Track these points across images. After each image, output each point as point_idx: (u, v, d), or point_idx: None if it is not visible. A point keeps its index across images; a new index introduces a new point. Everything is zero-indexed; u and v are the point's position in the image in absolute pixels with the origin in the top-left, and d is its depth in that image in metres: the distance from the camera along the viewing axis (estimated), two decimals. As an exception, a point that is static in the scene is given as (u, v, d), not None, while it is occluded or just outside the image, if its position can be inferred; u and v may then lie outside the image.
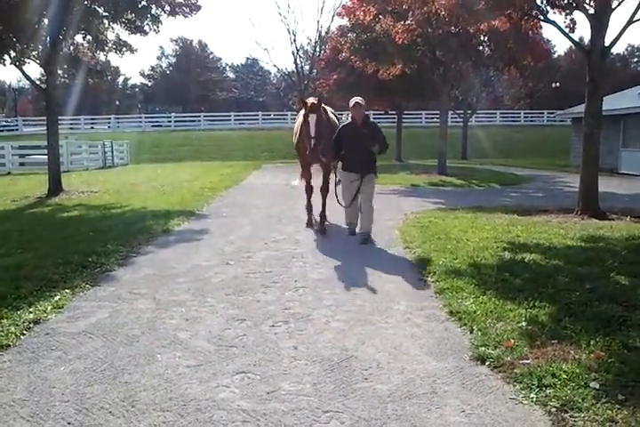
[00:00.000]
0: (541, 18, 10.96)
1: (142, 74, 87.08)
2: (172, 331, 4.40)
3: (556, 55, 63.63)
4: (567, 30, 10.63)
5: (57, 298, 5.13)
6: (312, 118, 7.80)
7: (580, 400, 3.15)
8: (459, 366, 3.71)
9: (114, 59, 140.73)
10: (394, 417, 3.08)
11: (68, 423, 3.03)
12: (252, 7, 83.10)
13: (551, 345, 3.89)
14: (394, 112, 31.71)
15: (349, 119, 8.19)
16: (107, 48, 16.23)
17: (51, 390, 3.40)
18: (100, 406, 3.21)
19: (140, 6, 14.74)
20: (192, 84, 76.52)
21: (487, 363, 3.72)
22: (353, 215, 8.16)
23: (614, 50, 13.79)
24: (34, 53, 14.77)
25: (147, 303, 5.11)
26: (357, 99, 7.89)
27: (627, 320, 4.30)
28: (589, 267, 5.97)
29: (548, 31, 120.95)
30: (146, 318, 4.71)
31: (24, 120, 48.90)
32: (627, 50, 73.10)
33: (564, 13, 10.56)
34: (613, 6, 9.96)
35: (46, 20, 14.42)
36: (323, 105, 8.45)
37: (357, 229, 8.11)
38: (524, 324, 4.30)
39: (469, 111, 35.64)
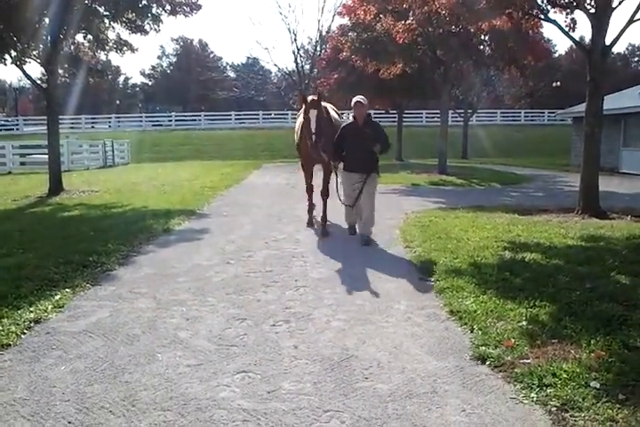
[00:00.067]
0: (542, 17, 10.95)
1: (143, 73, 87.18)
2: (173, 330, 4.40)
3: (556, 54, 63.61)
4: (568, 29, 10.63)
5: (57, 297, 5.14)
6: (312, 114, 7.73)
7: (580, 400, 3.15)
8: (459, 366, 3.71)
9: (114, 58, 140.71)
10: (394, 416, 3.08)
11: (69, 423, 3.04)
12: (253, 6, 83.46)
13: (551, 345, 3.89)
14: (394, 111, 31.73)
15: (351, 119, 8.12)
16: (107, 47, 16.24)
17: (51, 390, 3.41)
18: (101, 406, 3.21)
19: (140, 5, 14.75)
20: (192, 83, 76.51)
21: (487, 362, 3.72)
22: (353, 214, 8.10)
23: (615, 49, 13.79)
24: (34, 53, 14.77)
25: (147, 303, 5.12)
26: (359, 98, 7.74)
27: (627, 320, 4.30)
28: (590, 266, 5.97)
29: (548, 30, 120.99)
30: (146, 317, 4.72)
31: (25, 120, 48.93)
32: (627, 49, 73.11)
33: (564, 13, 10.56)
34: (614, 5, 9.95)
35: (47, 20, 14.43)
36: (324, 103, 8.42)
37: (358, 230, 8.07)
38: (524, 323, 4.30)
39: (470, 110, 35.66)
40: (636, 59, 75.08)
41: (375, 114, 37.59)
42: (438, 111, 25.20)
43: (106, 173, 22.62)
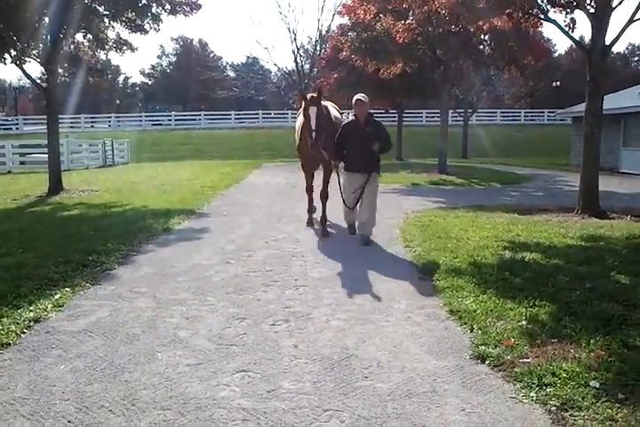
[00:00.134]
0: (542, 17, 10.95)
1: (143, 73, 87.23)
2: (173, 330, 4.40)
3: (556, 54, 63.65)
4: (567, 29, 10.63)
5: (57, 297, 5.14)
6: (312, 111, 7.61)
7: (580, 399, 3.15)
8: (459, 365, 3.72)
9: (114, 57, 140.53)
10: (394, 416, 3.08)
11: (69, 422, 3.04)
12: (253, 6, 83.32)
13: (551, 344, 3.89)
14: (394, 111, 31.74)
15: (351, 117, 8.00)
16: (107, 47, 16.25)
17: (51, 389, 3.41)
18: (101, 405, 3.21)
19: (140, 5, 14.75)
20: (192, 82, 76.53)
21: (487, 362, 3.72)
22: (352, 214, 8.03)
23: (615, 49, 13.79)
24: (34, 52, 14.77)
25: (147, 302, 5.12)
26: (360, 96, 7.62)
27: (627, 319, 4.30)
28: (590, 266, 5.97)
29: (548, 30, 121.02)
30: (146, 316, 4.72)
31: (24, 119, 48.92)
32: (627, 49, 73.14)
33: (564, 12, 10.56)
34: (614, 5, 9.95)
35: (47, 19, 14.42)
36: (325, 101, 8.34)
37: (358, 229, 7.98)
38: (524, 323, 4.30)
39: (470, 110, 35.67)
40: (636, 58, 75.11)
41: (375, 113, 37.50)
42: (438, 111, 25.21)
43: (105, 173, 22.62)
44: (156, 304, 5.05)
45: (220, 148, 38.04)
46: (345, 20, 24.35)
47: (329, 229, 8.50)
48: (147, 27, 15.32)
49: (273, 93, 55.03)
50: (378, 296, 5.26)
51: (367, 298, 5.20)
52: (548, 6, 10.71)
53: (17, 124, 47.80)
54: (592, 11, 10.02)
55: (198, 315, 4.75)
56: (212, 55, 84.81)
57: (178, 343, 4.11)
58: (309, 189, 9.09)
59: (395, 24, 16.18)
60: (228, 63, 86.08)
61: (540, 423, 3.00)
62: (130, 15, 14.96)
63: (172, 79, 79.41)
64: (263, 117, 50.72)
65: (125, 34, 15.89)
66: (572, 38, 11.15)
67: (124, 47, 16.27)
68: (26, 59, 14.68)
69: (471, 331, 4.27)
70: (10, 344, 4.07)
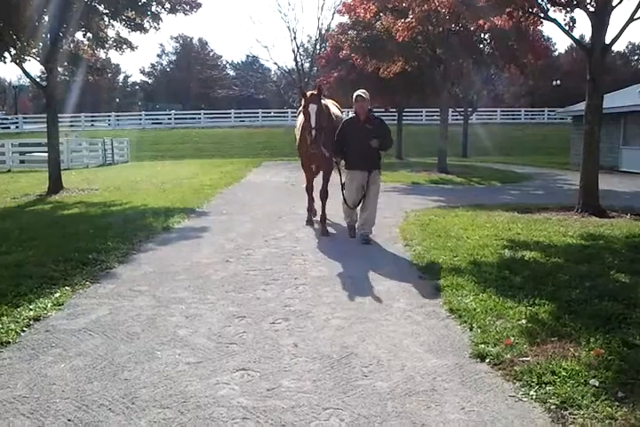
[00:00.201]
0: (542, 16, 10.94)
1: (142, 71, 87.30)
2: (172, 328, 4.40)
3: (556, 53, 63.63)
4: (567, 28, 10.61)
5: (57, 295, 5.14)
6: (312, 108, 7.56)
7: (579, 398, 3.15)
8: (458, 364, 3.72)
9: (114, 56, 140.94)
10: (393, 414, 3.08)
11: (69, 420, 3.04)
12: (253, 5, 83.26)
13: (551, 343, 3.89)
14: (394, 110, 31.69)
15: (352, 114, 7.94)
16: (107, 45, 16.24)
17: (51, 387, 3.41)
18: (100, 403, 3.21)
19: (140, 4, 14.74)
20: (192, 81, 76.54)
21: (487, 360, 3.73)
22: (353, 215, 7.97)
23: (615, 48, 13.78)
24: (34, 51, 14.75)
25: (147, 301, 5.12)
26: (360, 92, 7.53)
27: (626, 318, 4.30)
28: (589, 265, 5.97)
29: (548, 29, 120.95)
30: (146, 315, 4.72)
31: (24, 118, 48.89)
32: (627, 48, 73.05)
33: (564, 11, 10.55)
34: (614, 4, 9.94)
35: (47, 18, 14.41)
36: (326, 99, 8.30)
37: (358, 230, 7.90)
38: (523, 321, 4.31)
39: (470, 109, 35.61)
40: (636, 57, 75.04)
41: (375, 112, 37.42)
42: (438, 110, 25.19)
43: (105, 172, 22.63)
44: (155, 303, 5.05)
45: (219, 146, 38.04)
46: (345, 19, 24.37)
47: (329, 228, 8.49)
48: (146, 25, 15.33)
49: (273, 92, 55.01)
50: (377, 295, 5.26)
51: (367, 297, 5.20)
52: (549, 5, 10.69)
53: (17, 122, 47.77)
54: (592, 10, 10.01)
55: (198, 313, 4.75)
56: (211, 54, 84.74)
57: (177, 342, 4.11)
58: (309, 189, 9.06)
59: (395, 23, 16.13)
60: (227, 62, 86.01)
61: (539, 422, 3.01)
62: (130, 14, 14.95)
63: (172, 78, 79.43)
64: (263, 116, 50.65)
65: (125, 32, 15.94)
66: (572, 37, 11.14)
67: (124, 46, 16.27)
68: (25, 57, 14.67)
69: (471, 329, 4.28)
70: (9, 343, 4.07)
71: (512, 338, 3.98)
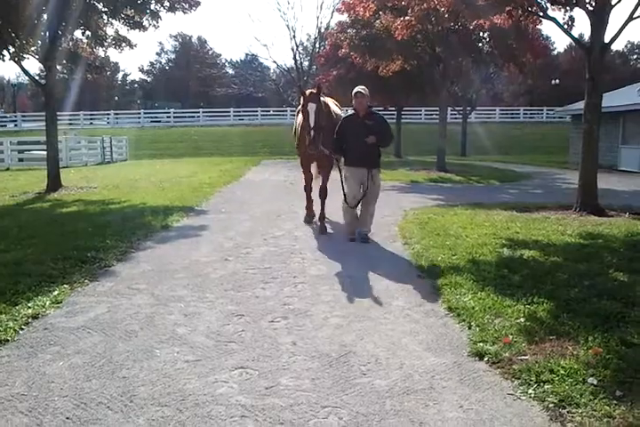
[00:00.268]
0: (541, 14, 10.94)
1: (141, 70, 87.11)
2: (171, 326, 4.40)
3: (555, 52, 63.61)
4: (566, 27, 10.62)
5: (55, 293, 5.13)
6: (311, 108, 7.49)
7: (577, 396, 3.15)
8: (457, 362, 3.72)
9: (113, 54, 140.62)
10: (392, 413, 3.09)
11: (67, 418, 3.04)
12: (252, 3, 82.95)
13: (549, 341, 3.89)
14: (393, 108, 31.68)
15: (351, 111, 7.85)
16: (106, 44, 16.23)
17: (49, 385, 3.41)
18: (99, 401, 3.21)
19: (139, 2, 14.71)
20: (191, 79, 76.46)
21: (485, 359, 3.73)
22: (354, 218, 7.79)
23: (614, 47, 13.78)
24: (33, 49, 14.74)
25: (145, 299, 5.12)
26: (360, 88, 7.45)
27: (625, 317, 4.31)
28: (588, 263, 5.97)
29: (547, 28, 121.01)
30: (144, 313, 4.71)
31: (23, 116, 48.81)
32: (626, 47, 73.03)
33: (563, 10, 10.54)
34: (613, 3, 9.94)
35: (45, 16, 14.38)
36: (325, 97, 8.24)
37: (357, 231, 7.79)
38: (522, 320, 4.31)
39: (469, 108, 35.61)
40: (635, 56, 75.01)
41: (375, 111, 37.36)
42: (437, 108, 25.17)
43: (104, 170, 22.61)
44: (154, 301, 5.05)
45: (218, 145, 38.02)
46: (344, 18, 24.32)
47: (327, 226, 8.49)
48: (146, 24, 15.29)
49: (272, 91, 54.96)
50: (376, 293, 5.26)
51: (365, 295, 5.20)
52: (548, 4, 10.70)
53: (15, 120, 47.72)
54: (591, 8, 10.01)
55: (197, 312, 4.75)
56: (210, 52, 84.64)
57: (176, 340, 4.11)
58: (308, 190, 8.99)
59: (394, 21, 16.16)
60: (226, 60, 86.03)
61: (537, 420, 3.01)
62: (129, 12, 14.93)
63: (171, 76, 79.32)
64: (262, 115, 50.67)
65: (124, 31, 15.91)
66: (571, 36, 11.13)
67: (123, 44, 16.25)
68: (24, 55, 14.65)
69: (469, 328, 4.28)
70: (8, 341, 4.07)
71: (510, 336, 3.98)
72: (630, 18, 9.89)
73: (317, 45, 36.65)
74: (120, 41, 16.15)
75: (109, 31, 15.95)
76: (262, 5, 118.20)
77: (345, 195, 7.68)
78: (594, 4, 9.97)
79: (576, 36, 12.73)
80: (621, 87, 25.60)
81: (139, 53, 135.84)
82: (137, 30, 15.42)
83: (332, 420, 3.01)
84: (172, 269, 6.19)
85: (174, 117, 50.65)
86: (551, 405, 3.11)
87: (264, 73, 65.80)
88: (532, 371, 3.45)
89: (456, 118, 35.52)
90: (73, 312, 4.72)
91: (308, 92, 7.86)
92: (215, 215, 10.01)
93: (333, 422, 2.99)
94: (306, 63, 36.58)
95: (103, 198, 12.26)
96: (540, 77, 52.34)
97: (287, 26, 42.49)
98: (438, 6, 12.66)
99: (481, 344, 3.91)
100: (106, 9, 14.87)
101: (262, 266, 6.31)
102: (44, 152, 15.61)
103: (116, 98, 75.10)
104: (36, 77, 16.69)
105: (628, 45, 73.24)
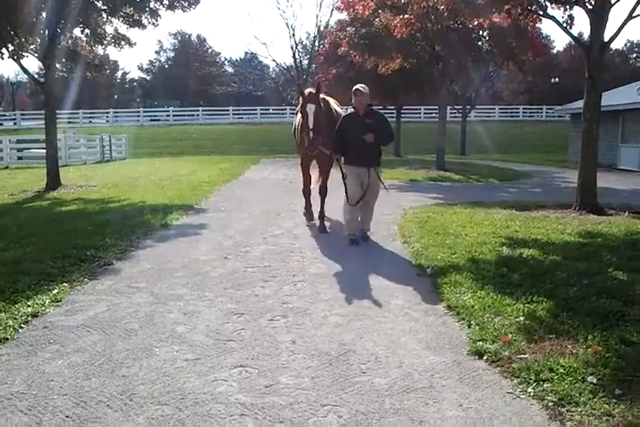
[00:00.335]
0: (540, 13, 10.93)
1: (141, 68, 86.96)
2: (171, 325, 4.40)
3: (555, 51, 63.59)
4: (566, 26, 10.61)
5: (55, 292, 5.13)
6: (310, 108, 7.41)
7: (577, 395, 3.16)
8: (456, 361, 3.72)
9: (112, 53, 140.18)
10: (391, 411, 3.09)
11: (66, 417, 3.04)
12: (251, 1, 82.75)
13: (549, 340, 3.89)
14: (392, 107, 31.65)
15: (351, 109, 7.86)
16: (105, 42, 16.23)
17: (49, 384, 3.41)
18: (98, 400, 3.21)
19: (138, 0, 14.69)
20: (191, 78, 76.37)
21: (485, 357, 3.73)
22: (356, 219, 7.70)
23: (613, 45, 13.77)
24: (32, 47, 14.72)
25: (145, 297, 5.12)
26: (359, 86, 7.33)
27: (624, 315, 4.31)
28: (587, 262, 5.98)
29: (546, 26, 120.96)
30: (144, 311, 4.71)
31: (22, 114, 48.75)
32: (626, 45, 72.97)
33: (562, 9, 10.54)
34: (613, 1, 9.93)
35: (44, 14, 14.36)
36: (325, 96, 8.20)
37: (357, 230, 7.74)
38: (521, 319, 4.31)
39: (468, 106, 35.58)
40: (635, 55, 74.96)
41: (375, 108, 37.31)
42: (436, 107, 25.16)
43: (103, 168, 22.58)
44: (154, 299, 5.05)
45: (218, 143, 37.95)
46: (343, 16, 24.26)
47: (327, 225, 8.48)
48: (145, 22, 15.30)
49: (271, 89, 54.85)
50: (375, 292, 5.26)
51: (365, 294, 5.20)
52: (547, 2, 10.69)
53: (14, 119, 47.66)
54: (590, 7, 10.00)
55: (196, 310, 4.75)
56: (210, 51, 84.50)
57: (176, 339, 4.11)
58: (307, 192, 8.88)
59: (393, 19, 16.15)
60: (226, 59, 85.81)
61: (537, 419, 3.01)
62: (128, 10, 14.93)
63: (171, 75, 79.22)
64: (261, 113, 50.65)
65: (123, 29, 15.90)
66: (570, 35, 11.13)
67: (123, 42, 16.24)
68: (23, 54, 14.63)
69: (469, 327, 4.28)
70: (7, 339, 4.07)
71: (510, 335, 3.99)
72: (630, 16, 9.88)
73: (317, 44, 36.59)
74: (119, 39, 16.14)
75: (109, 29, 15.98)
76: (262, 3, 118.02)
77: (346, 193, 7.62)
78: (593, 2, 9.96)
79: (575, 34, 12.72)
80: (621, 86, 25.60)
81: (138, 52, 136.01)
82: (136, 28, 15.44)
83: (332, 418, 3.02)
84: (171, 267, 6.19)
85: (173, 116, 50.63)
86: (550, 403, 3.11)
87: (263, 71, 65.73)
88: (531, 370, 3.45)
89: (455, 117, 35.48)
90: (72, 311, 4.72)
91: (307, 92, 7.78)
92: (214, 214, 10.00)
93: (333, 421, 2.99)
94: (305, 62, 36.50)
95: (102, 197, 12.25)
96: (540, 76, 52.34)
97: (286, 24, 42.32)
98: (437, 5, 12.67)
99: (480, 343, 3.91)
100: (105, 7, 14.87)
101: (262, 264, 6.31)
102: (44, 150, 15.59)
103: (116, 96, 75.00)
104: (36, 76, 16.67)
105: (628, 44, 73.21)
